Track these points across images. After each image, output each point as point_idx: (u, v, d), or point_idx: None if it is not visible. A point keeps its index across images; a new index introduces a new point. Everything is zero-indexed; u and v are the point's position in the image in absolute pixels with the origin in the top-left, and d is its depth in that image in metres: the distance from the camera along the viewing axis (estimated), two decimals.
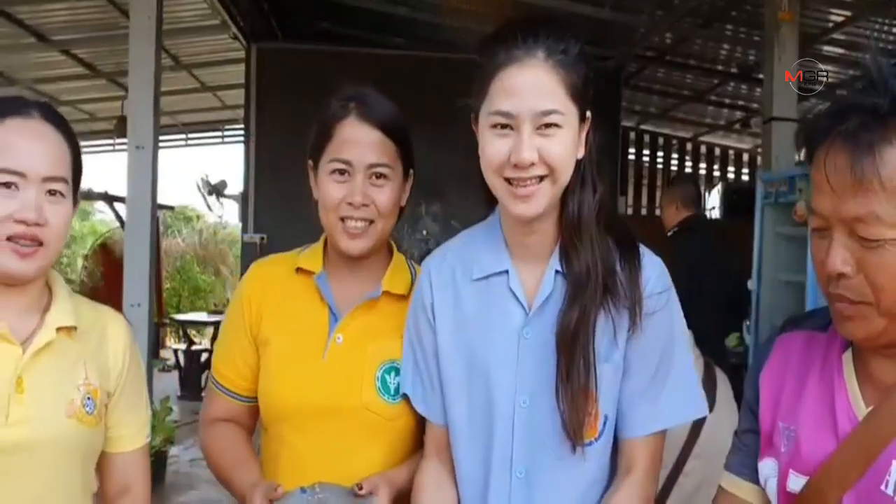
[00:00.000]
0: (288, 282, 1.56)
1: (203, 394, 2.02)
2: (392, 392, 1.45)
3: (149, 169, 4.88)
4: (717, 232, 6.07)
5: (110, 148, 12.56)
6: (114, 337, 1.43)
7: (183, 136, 12.19)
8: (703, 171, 12.25)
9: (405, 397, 1.44)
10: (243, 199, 9.00)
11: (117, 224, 10.82)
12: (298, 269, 1.56)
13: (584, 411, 1.24)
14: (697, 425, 2.58)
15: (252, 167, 8.69)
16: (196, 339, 9.94)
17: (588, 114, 1.27)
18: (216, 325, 9.50)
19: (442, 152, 8.25)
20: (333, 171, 1.47)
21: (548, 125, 1.21)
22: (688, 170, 12.06)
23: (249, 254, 8.47)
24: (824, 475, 1.06)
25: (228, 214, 11.64)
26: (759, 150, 11.02)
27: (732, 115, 10.36)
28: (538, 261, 1.32)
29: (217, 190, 9.51)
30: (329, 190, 1.47)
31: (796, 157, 5.13)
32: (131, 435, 1.44)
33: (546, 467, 1.29)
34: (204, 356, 8.76)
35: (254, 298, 1.56)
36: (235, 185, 9.87)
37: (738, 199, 9.06)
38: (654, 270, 1.31)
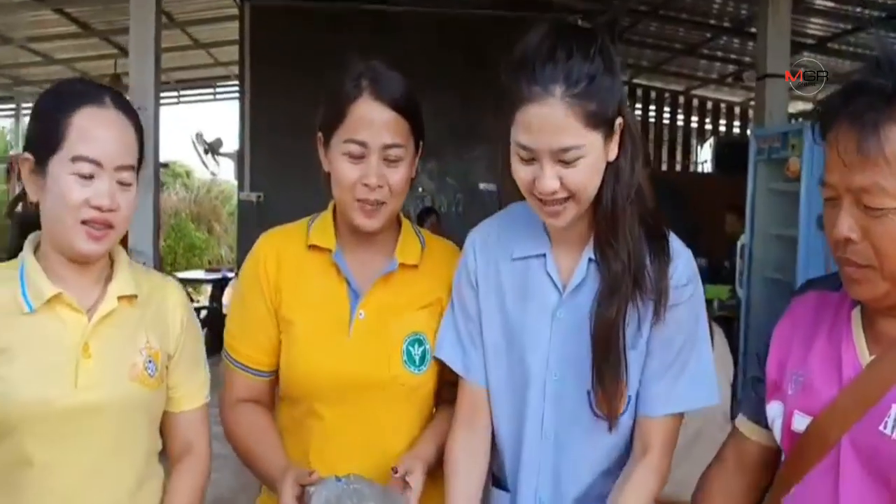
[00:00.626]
0: (302, 258, 1.55)
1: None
2: (417, 363, 1.50)
3: (150, 129, 4.94)
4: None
5: None
6: (171, 302, 1.48)
7: (175, 92, 12.15)
8: (694, 125, 12.32)
9: (430, 365, 1.51)
10: (239, 157, 8.97)
11: None
12: (311, 247, 1.55)
13: (614, 395, 1.33)
14: None
15: (247, 125, 8.68)
16: (194, 297, 10.03)
17: (619, 122, 1.29)
18: (213, 283, 9.63)
19: (438, 110, 8.30)
20: (348, 152, 1.45)
21: (566, 159, 1.25)
22: (679, 123, 12.13)
23: (246, 212, 8.49)
24: (828, 415, 1.15)
25: (224, 172, 11.66)
26: (752, 102, 11.08)
27: (725, 68, 10.40)
28: (573, 247, 1.39)
29: (213, 148, 9.51)
30: (344, 170, 1.45)
31: (788, 113, 5.20)
32: (191, 394, 1.49)
33: (573, 434, 1.38)
34: (202, 313, 8.87)
35: (270, 274, 1.54)
36: (230, 143, 9.88)
37: (730, 153, 9.16)
38: (680, 261, 1.35)
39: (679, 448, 2.65)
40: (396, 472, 1.40)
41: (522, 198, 1.35)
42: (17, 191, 11.52)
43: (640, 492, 1.34)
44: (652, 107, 12.10)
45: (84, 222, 1.31)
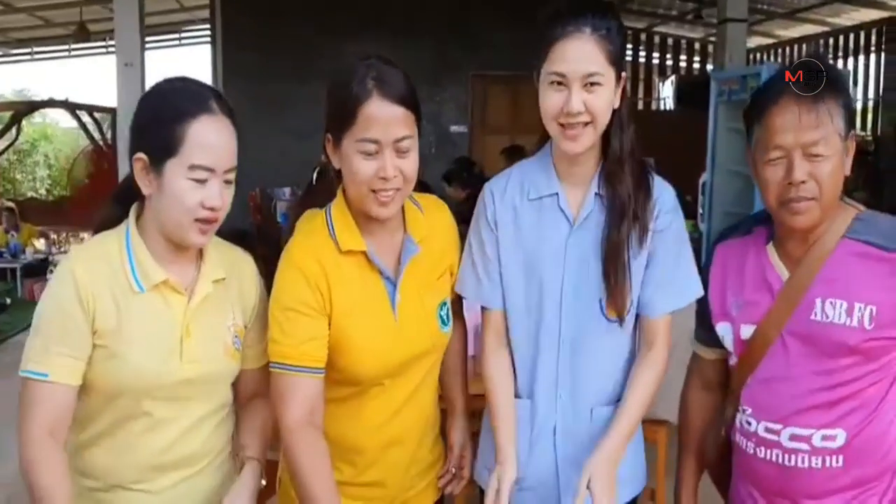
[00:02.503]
0: (337, 263, 1.63)
1: None
2: (446, 322, 1.72)
3: (138, 84, 5.08)
4: None
5: (66, 54, 12.42)
6: (248, 278, 1.66)
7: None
8: (656, 62, 12.57)
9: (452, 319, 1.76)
10: None
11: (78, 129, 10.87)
12: (346, 252, 1.63)
13: (623, 299, 1.64)
14: None
15: (219, 70, 8.71)
16: None
17: (623, 74, 1.61)
18: None
19: (409, 54, 8.42)
20: (363, 150, 1.54)
21: (592, 84, 1.55)
22: (641, 60, 12.36)
23: None
24: (767, 319, 1.57)
25: None
26: (711, 39, 11.34)
27: (685, 6, 10.64)
28: (581, 185, 1.67)
29: None
30: (360, 167, 1.54)
31: (748, 50, 5.43)
32: (258, 355, 1.66)
33: (585, 337, 1.67)
34: None
35: (320, 279, 1.61)
36: None
37: (690, 91, 9.43)
38: (665, 193, 1.68)
39: None
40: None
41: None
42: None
43: (648, 376, 1.68)
44: None
45: (197, 220, 1.46)
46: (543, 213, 1.70)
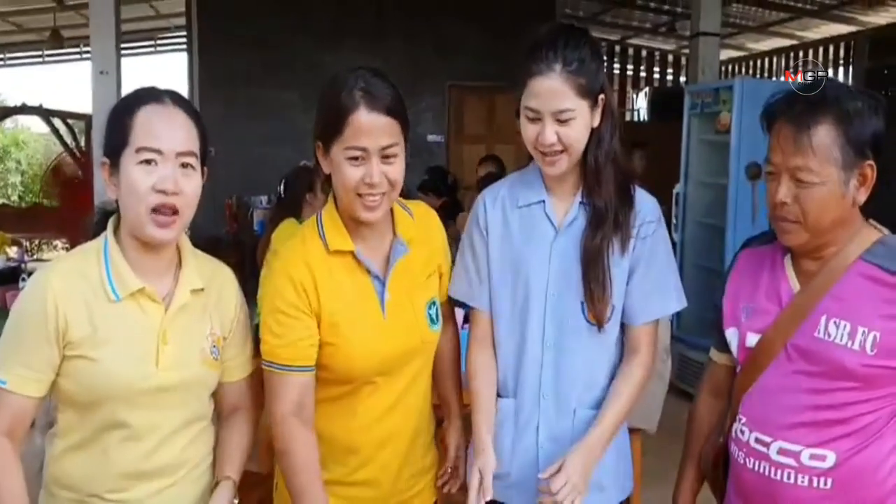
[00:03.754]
0: (326, 264, 1.69)
1: None
2: (435, 321, 1.80)
3: (113, 93, 5.04)
4: None
5: (39, 60, 12.31)
6: (228, 290, 1.68)
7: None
8: (630, 73, 12.70)
9: (441, 320, 1.83)
10: None
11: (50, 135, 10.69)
12: (334, 252, 1.70)
13: (602, 304, 1.71)
14: None
15: (195, 78, 8.70)
16: None
17: (602, 97, 1.69)
18: None
19: (385, 63, 8.45)
20: (350, 157, 1.61)
21: (563, 120, 1.65)
22: (616, 72, 12.49)
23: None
24: (773, 329, 1.59)
25: None
26: (684, 51, 11.49)
27: (659, 18, 10.77)
28: (566, 195, 1.77)
29: None
30: (348, 173, 1.61)
31: (721, 62, 5.51)
32: (241, 366, 1.71)
33: (569, 339, 1.74)
34: None
35: (307, 282, 1.67)
36: None
37: (664, 102, 9.54)
38: (647, 204, 1.76)
39: None
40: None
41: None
42: None
43: (631, 380, 1.76)
44: None
45: (154, 210, 1.46)
46: (531, 219, 1.79)
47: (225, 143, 8.15)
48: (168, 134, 1.48)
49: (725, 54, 12.06)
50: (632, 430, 3.07)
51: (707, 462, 1.82)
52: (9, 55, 12.64)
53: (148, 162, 1.46)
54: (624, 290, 1.76)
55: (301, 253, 1.70)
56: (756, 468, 1.61)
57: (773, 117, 1.54)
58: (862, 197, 1.52)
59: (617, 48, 12.49)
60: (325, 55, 7.51)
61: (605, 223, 1.72)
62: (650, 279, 1.76)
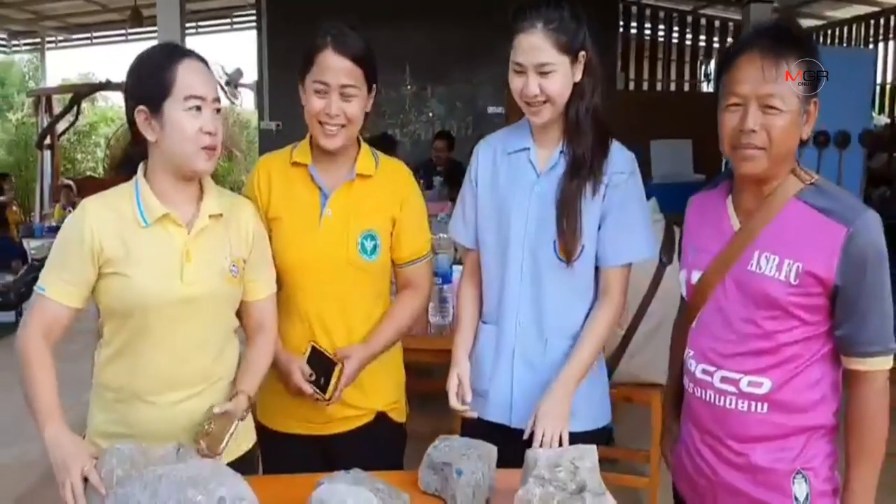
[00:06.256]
0: (286, 171, 2.06)
1: None
2: (369, 252, 2.03)
3: None
4: None
5: (123, 38, 12.85)
6: (245, 217, 1.90)
7: (193, 24, 12.38)
8: (702, 44, 12.46)
9: (380, 255, 2.06)
10: (258, 87, 9.26)
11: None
12: (293, 163, 2.06)
13: (572, 242, 1.89)
14: (658, 275, 3.17)
15: (265, 55, 8.96)
16: None
17: (582, 54, 1.87)
18: None
19: (444, 37, 8.57)
20: (315, 90, 1.94)
21: (544, 72, 1.83)
22: (687, 43, 12.27)
23: (266, 140, 8.92)
24: (712, 266, 1.72)
25: (243, 101, 11.98)
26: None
27: None
28: (549, 145, 1.97)
29: (233, 80, 9.85)
30: (312, 102, 1.95)
31: None
32: (262, 287, 1.94)
33: (543, 273, 1.94)
34: None
35: (263, 185, 2.06)
36: (248, 73, 10.16)
37: None
38: (620, 157, 1.94)
39: (643, 335, 3.12)
40: (336, 355, 2.00)
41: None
42: (45, 123, 11.96)
43: (602, 319, 1.94)
44: (661, 26, 12.22)
45: (203, 148, 1.73)
46: (517, 164, 2.00)
47: (293, 118, 8.50)
48: (207, 84, 1.76)
49: (802, 24, 11.71)
50: (652, 385, 3.24)
51: (666, 397, 1.97)
52: (95, 34, 13.25)
53: (197, 108, 1.72)
54: (595, 232, 1.92)
55: (266, 163, 2.10)
56: (703, 396, 1.74)
57: (737, 53, 1.64)
58: (808, 132, 1.64)
59: (688, 18, 12.25)
60: (387, 31, 7.65)
61: (582, 170, 1.89)
62: (619, 225, 1.92)
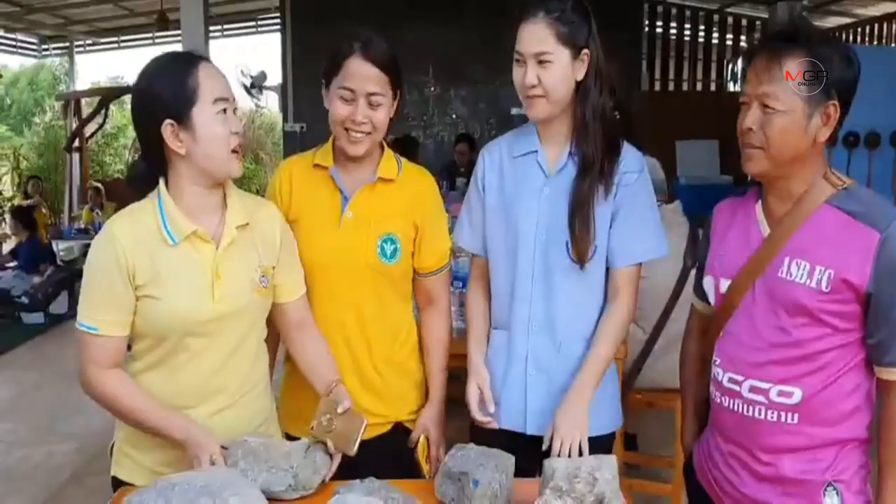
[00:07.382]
0: (308, 174, 2.05)
1: None
2: (388, 256, 2.01)
3: None
4: None
5: (150, 42, 12.98)
6: (270, 221, 1.88)
7: (219, 26, 12.48)
8: (729, 43, 12.33)
9: (399, 259, 2.04)
10: (282, 90, 9.30)
11: None
12: (315, 165, 2.04)
13: (585, 244, 1.87)
14: (681, 281, 3.14)
15: (289, 58, 9.00)
16: None
17: (585, 52, 1.84)
18: None
19: (466, 39, 8.55)
20: (341, 96, 1.91)
21: (542, 61, 1.81)
22: (714, 42, 12.15)
23: (291, 142, 8.93)
24: (742, 273, 1.68)
25: (267, 103, 12.05)
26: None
27: None
28: (557, 147, 1.94)
29: (257, 82, 9.91)
30: (338, 109, 1.92)
31: None
32: (293, 289, 1.92)
33: (554, 276, 1.91)
34: None
35: (284, 188, 2.04)
36: (273, 76, 10.21)
37: None
38: (630, 157, 1.92)
39: (666, 345, 3.08)
40: (415, 447, 2.03)
41: None
42: (74, 126, 12.09)
43: (615, 321, 1.92)
44: (687, 25, 12.12)
45: (233, 151, 1.72)
46: (524, 168, 1.97)
47: (317, 120, 8.48)
48: (227, 85, 1.75)
49: (831, 21, 11.57)
50: (676, 391, 3.19)
51: (689, 410, 1.94)
52: (122, 38, 13.39)
53: (224, 111, 1.70)
54: (606, 233, 1.90)
55: (289, 166, 2.09)
56: (731, 406, 1.70)
57: (753, 54, 1.63)
58: (824, 135, 1.59)
59: (715, 17, 12.13)
60: (408, 34, 7.65)
61: (592, 171, 1.87)
62: (630, 225, 1.90)
